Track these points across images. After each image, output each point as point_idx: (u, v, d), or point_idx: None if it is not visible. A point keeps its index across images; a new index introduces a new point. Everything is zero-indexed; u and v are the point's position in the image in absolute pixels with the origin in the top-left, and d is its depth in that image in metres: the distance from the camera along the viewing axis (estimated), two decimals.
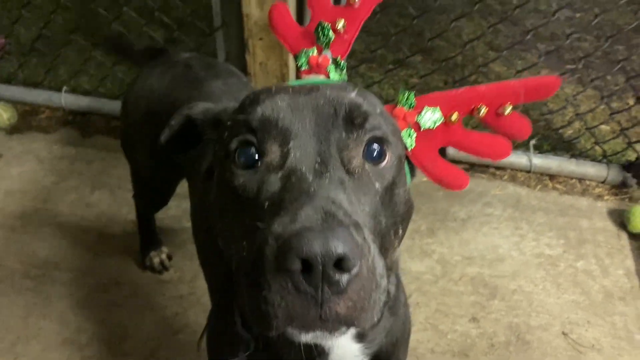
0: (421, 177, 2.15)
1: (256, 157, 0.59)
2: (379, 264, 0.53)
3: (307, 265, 0.47)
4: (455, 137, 0.72)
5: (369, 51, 2.56)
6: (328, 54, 0.74)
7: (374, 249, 0.53)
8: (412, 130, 0.70)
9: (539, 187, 2.07)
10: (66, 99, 2.36)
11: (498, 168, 2.12)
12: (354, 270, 0.48)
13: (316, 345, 0.73)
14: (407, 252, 1.84)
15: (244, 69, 1.89)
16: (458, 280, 1.75)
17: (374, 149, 0.61)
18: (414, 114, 0.70)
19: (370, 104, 0.64)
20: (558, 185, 2.07)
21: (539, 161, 2.07)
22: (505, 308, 1.67)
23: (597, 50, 2.83)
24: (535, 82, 0.74)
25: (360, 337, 0.77)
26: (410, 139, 0.70)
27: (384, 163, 0.62)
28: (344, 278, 0.48)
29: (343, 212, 0.52)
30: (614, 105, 2.48)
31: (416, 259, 1.81)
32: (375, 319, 0.54)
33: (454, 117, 0.71)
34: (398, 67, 2.61)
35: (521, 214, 1.97)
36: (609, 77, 2.76)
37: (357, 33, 0.75)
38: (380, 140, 0.62)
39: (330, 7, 0.74)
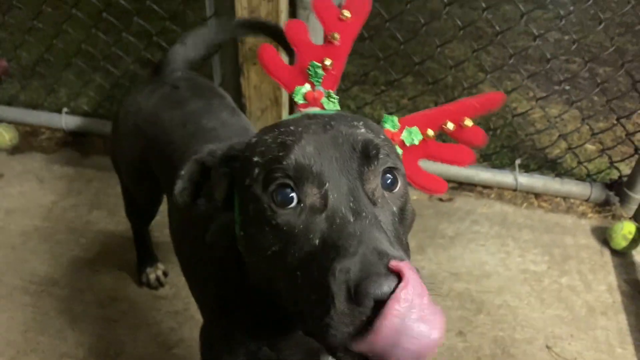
0: (411, 195, 2.21)
1: (294, 198, 0.66)
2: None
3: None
4: (432, 149, 0.85)
5: (361, 74, 2.63)
6: (321, 88, 0.84)
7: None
8: (399, 147, 0.82)
9: (525, 205, 2.13)
10: (66, 120, 2.42)
11: (485, 187, 2.19)
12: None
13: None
14: None
15: (239, 91, 1.96)
16: (446, 296, 1.80)
17: (388, 178, 0.69)
18: (399, 134, 0.82)
19: (377, 134, 0.72)
20: (543, 204, 2.13)
21: (525, 180, 2.13)
22: (491, 322, 1.72)
23: (582, 70, 2.92)
24: (485, 98, 0.86)
25: None
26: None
27: (397, 188, 0.70)
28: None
29: (388, 248, 0.60)
30: (600, 125, 2.55)
31: None
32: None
33: (430, 133, 0.84)
34: (389, 88, 2.69)
35: (507, 231, 2.02)
36: (595, 98, 2.85)
37: (343, 67, 0.85)
38: (392, 169, 0.70)
39: (313, 46, 0.84)
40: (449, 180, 2.19)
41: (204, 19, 2.04)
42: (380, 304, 0.56)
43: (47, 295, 1.81)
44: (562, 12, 2.54)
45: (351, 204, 0.64)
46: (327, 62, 0.83)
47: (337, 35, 0.84)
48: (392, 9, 3.49)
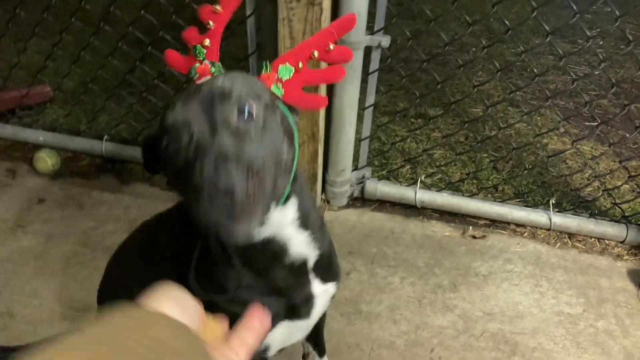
0: (443, 232, 2.22)
1: (177, 146, 0.83)
2: (265, 168, 0.80)
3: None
4: (307, 76, 1.00)
5: (392, 105, 2.67)
6: (206, 61, 1.03)
7: (257, 162, 0.79)
8: (279, 83, 0.98)
9: (558, 244, 2.13)
10: (106, 147, 2.50)
11: (518, 225, 2.19)
12: (240, 192, 0.75)
13: (278, 243, 1.01)
14: (429, 305, 1.90)
15: None
16: (479, 336, 1.80)
17: (244, 110, 0.85)
18: (274, 73, 0.98)
19: (233, 80, 0.89)
20: (577, 244, 2.13)
21: (559, 220, 2.13)
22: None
23: (615, 107, 2.92)
24: (339, 22, 1.02)
25: (303, 227, 1.03)
26: (279, 90, 0.97)
27: (254, 116, 0.86)
28: (236, 198, 0.74)
29: (231, 151, 0.78)
30: (634, 163, 2.55)
31: (438, 314, 1.87)
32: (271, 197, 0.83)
33: (300, 65, 0.99)
34: (420, 120, 2.72)
35: (541, 271, 2.02)
36: (627, 135, 2.84)
37: (219, 43, 1.04)
38: (245, 103, 0.86)
39: (196, 35, 1.05)
40: (482, 218, 2.21)
41: (245, 57, 2.10)
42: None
43: None
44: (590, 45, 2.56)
45: (210, 132, 0.81)
46: (206, 42, 1.02)
47: (211, 22, 1.03)
48: (421, 40, 3.54)
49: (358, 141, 2.24)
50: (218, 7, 1.06)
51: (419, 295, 1.94)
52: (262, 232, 0.97)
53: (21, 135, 2.59)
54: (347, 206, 2.31)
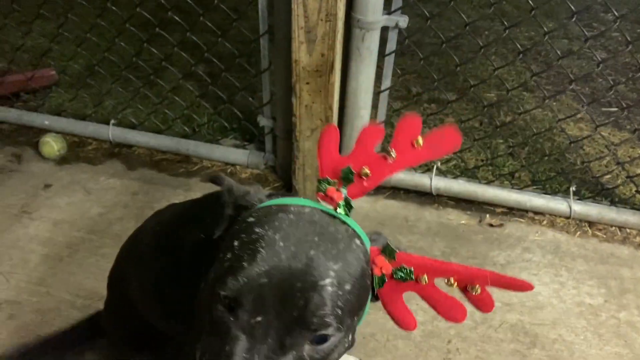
0: (459, 220, 2.17)
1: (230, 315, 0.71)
2: None
3: None
4: (422, 290, 0.83)
5: (405, 89, 2.60)
6: (344, 191, 0.83)
7: None
8: (385, 277, 0.81)
9: (578, 233, 2.07)
10: (113, 132, 2.44)
11: (537, 213, 2.13)
12: None
13: None
14: None
15: (289, 110, 1.94)
16: (498, 327, 1.75)
17: (319, 338, 0.71)
18: (390, 267, 0.81)
19: (340, 285, 0.72)
20: (598, 233, 2.07)
21: (579, 207, 2.07)
22: (546, 357, 1.66)
23: (633, 93, 2.84)
24: (508, 280, 0.82)
25: None
26: (380, 283, 0.82)
27: (325, 346, 0.72)
28: None
29: None
30: None
31: None
32: None
33: (424, 279, 0.81)
34: (433, 105, 2.65)
35: (561, 261, 1.96)
36: None
37: (377, 185, 0.85)
38: (327, 336, 0.71)
39: (371, 152, 0.84)
40: (499, 205, 2.15)
41: (256, 37, 2.03)
42: None
43: (94, 310, 1.80)
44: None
45: (268, 332, 0.68)
46: (366, 169, 0.83)
47: (394, 153, 0.83)
48: (434, 23, 3.47)
49: None
50: (393, 154, 0.83)
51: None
52: None
53: (26, 119, 2.54)
54: None
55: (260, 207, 0.82)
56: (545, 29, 1.96)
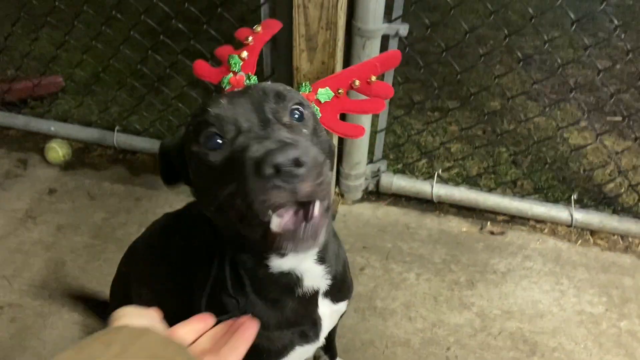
0: (460, 228, 2.16)
1: (219, 140, 0.79)
2: (324, 162, 0.73)
3: (278, 170, 0.67)
4: (346, 104, 1.02)
5: (408, 98, 2.61)
6: (241, 73, 1.01)
7: (315, 150, 0.73)
8: (315, 105, 0.98)
9: (579, 242, 2.06)
10: (118, 138, 2.47)
11: (538, 221, 2.12)
12: (307, 163, 0.68)
13: (293, 276, 0.95)
14: (446, 303, 1.84)
15: None
16: (497, 335, 1.75)
17: (297, 112, 0.84)
18: (313, 95, 0.99)
19: (284, 86, 0.88)
20: (600, 241, 2.06)
21: (581, 216, 2.06)
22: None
23: (638, 102, 2.83)
24: (384, 57, 1.06)
25: (321, 260, 0.98)
26: (317, 112, 0.97)
27: (305, 119, 0.85)
28: (302, 170, 0.68)
29: (291, 139, 0.73)
30: None
31: (455, 311, 1.82)
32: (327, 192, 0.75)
33: (340, 91, 1.00)
34: (436, 113, 2.66)
35: (562, 269, 1.95)
36: None
37: (257, 56, 1.04)
38: (300, 105, 0.85)
39: (231, 49, 1.05)
40: (501, 213, 2.15)
41: None
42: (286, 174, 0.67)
43: (95, 314, 1.82)
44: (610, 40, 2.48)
45: (262, 125, 0.78)
46: (244, 54, 1.02)
47: (250, 38, 1.04)
48: (439, 31, 3.49)
49: (373, 134, 2.18)
50: (258, 28, 1.06)
51: (435, 292, 1.88)
52: (283, 264, 0.92)
53: (33, 126, 2.57)
54: (362, 200, 2.26)
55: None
56: (546, 37, 1.96)
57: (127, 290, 1.38)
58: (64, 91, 2.85)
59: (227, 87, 1.00)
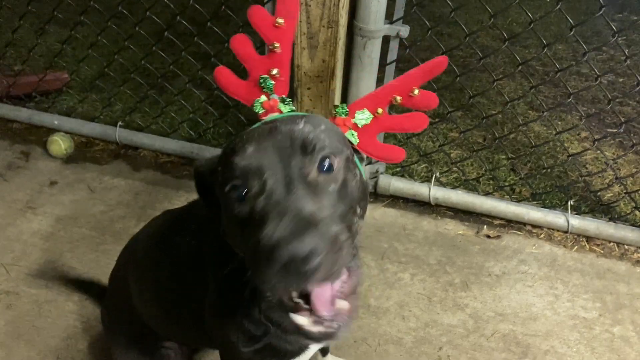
0: (456, 230, 2.16)
1: (244, 193, 0.79)
2: (341, 235, 0.71)
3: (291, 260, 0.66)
4: (386, 123, 0.95)
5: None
6: (275, 96, 0.95)
7: (335, 228, 0.71)
8: (353, 130, 0.92)
9: (575, 248, 2.06)
10: (120, 134, 2.49)
11: (534, 226, 2.13)
12: (319, 258, 0.66)
13: None
14: (439, 303, 1.85)
15: None
16: (490, 337, 1.74)
17: (325, 164, 0.80)
18: (350, 119, 0.93)
19: (316, 128, 0.82)
20: (595, 248, 2.06)
21: (577, 222, 2.06)
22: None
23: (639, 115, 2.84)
24: (428, 65, 0.96)
25: None
26: (354, 137, 0.92)
27: (334, 171, 0.81)
28: (315, 262, 0.66)
29: (309, 213, 0.70)
30: None
31: (448, 312, 1.82)
32: (345, 265, 0.74)
33: (380, 111, 0.94)
34: (438, 120, 2.67)
35: (557, 274, 1.95)
36: None
37: (289, 72, 0.96)
38: (328, 156, 0.80)
39: (259, 58, 0.95)
40: (497, 217, 2.15)
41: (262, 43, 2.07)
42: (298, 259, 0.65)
43: (90, 304, 1.83)
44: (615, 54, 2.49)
45: (285, 186, 0.76)
46: (274, 71, 0.94)
47: (277, 44, 0.95)
48: (443, 42, 3.53)
49: None
50: (280, 20, 0.95)
51: (429, 292, 1.89)
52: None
53: (36, 119, 2.60)
54: None
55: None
56: (544, 41, 1.97)
57: (125, 284, 1.38)
58: (69, 87, 2.88)
59: (261, 112, 0.95)
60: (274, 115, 0.94)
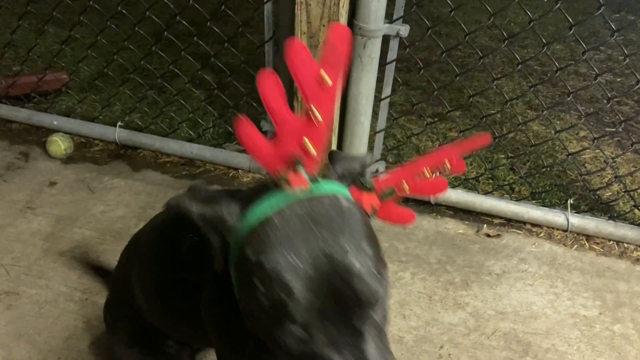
0: (457, 229, 2.16)
1: (302, 339, 0.70)
2: None
3: None
4: (408, 192, 0.90)
5: (409, 104, 2.63)
6: (303, 173, 0.79)
7: None
8: (376, 207, 0.85)
9: (575, 246, 2.07)
10: (119, 134, 2.49)
11: (534, 225, 2.13)
12: None
13: None
14: (440, 302, 1.85)
15: None
16: (491, 335, 1.75)
17: (382, 313, 0.75)
18: (376, 198, 0.85)
19: (373, 259, 0.72)
20: (595, 246, 2.07)
21: (576, 221, 2.07)
22: None
23: (637, 114, 2.86)
24: (467, 144, 0.90)
25: None
26: (375, 212, 0.85)
27: (382, 314, 0.75)
28: None
29: None
30: None
31: (449, 311, 1.82)
32: None
33: (405, 187, 0.89)
34: (437, 120, 2.68)
35: (557, 273, 1.96)
36: None
37: (324, 149, 0.81)
38: (385, 306, 0.75)
39: (291, 118, 0.78)
40: (497, 216, 2.16)
41: (262, 43, 2.08)
42: None
43: (91, 304, 1.83)
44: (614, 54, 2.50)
45: (351, 336, 0.69)
46: (308, 145, 0.78)
47: (317, 112, 0.77)
48: (442, 42, 3.54)
49: (373, 135, 2.20)
50: (327, 78, 0.76)
51: (429, 291, 1.89)
52: None
53: (35, 119, 2.59)
54: None
55: (247, 232, 0.76)
56: (543, 40, 1.98)
57: (127, 281, 1.38)
58: (68, 87, 2.88)
59: (285, 183, 0.81)
60: (304, 190, 0.79)
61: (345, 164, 0.87)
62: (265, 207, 0.75)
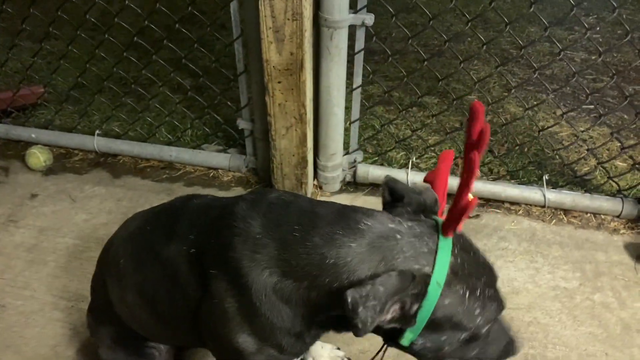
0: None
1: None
2: None
3: None
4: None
5: (386, 94, 2.65)
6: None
7: None
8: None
9: (553, 221, 2.09)
10: (98, 142, 2.50)
11: (512, 203, 2.16)
12: None
13: None
14: None
15: (264, 110, 1.99)
16: None
17: None
18: (461, 225, 0.99)
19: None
20: (573, 220, 2.09)
21: (553, 196, 2.09)
22: (521, 340, 1.67)
23: (608, 86, 2.90)
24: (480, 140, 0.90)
25: None
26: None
27: None
28: None
29: None
30: (631, 142, 2.51)
31: None
32: None
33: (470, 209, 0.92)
34: (414, 108, 2.70)
35: (536, 248, 1.98)
36: (625, 116, 2.82)
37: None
38: None
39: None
40: (476, 197, 2.18)
41: (230, 43, 2.09)
42: None
43: (77, 311, 1.84)
44: (588, 33, 2.52)
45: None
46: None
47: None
48: (416, 31, 3.56)
49: (349, 125, 2.22)
50: (471, 196, 0.92)
51: None
52: None
53: (13, 134, 2.60)
54: (340, 191, 2.29)
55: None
56: (525, 33, 2.00)
57: (105, 288, 1.38)
58: (45, 100, 2.88)
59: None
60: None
61: (414, 197, 1.02)
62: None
